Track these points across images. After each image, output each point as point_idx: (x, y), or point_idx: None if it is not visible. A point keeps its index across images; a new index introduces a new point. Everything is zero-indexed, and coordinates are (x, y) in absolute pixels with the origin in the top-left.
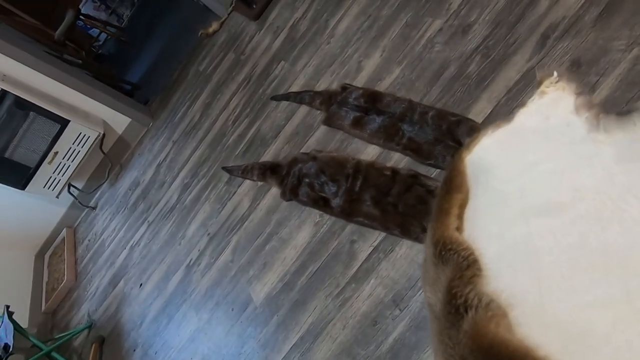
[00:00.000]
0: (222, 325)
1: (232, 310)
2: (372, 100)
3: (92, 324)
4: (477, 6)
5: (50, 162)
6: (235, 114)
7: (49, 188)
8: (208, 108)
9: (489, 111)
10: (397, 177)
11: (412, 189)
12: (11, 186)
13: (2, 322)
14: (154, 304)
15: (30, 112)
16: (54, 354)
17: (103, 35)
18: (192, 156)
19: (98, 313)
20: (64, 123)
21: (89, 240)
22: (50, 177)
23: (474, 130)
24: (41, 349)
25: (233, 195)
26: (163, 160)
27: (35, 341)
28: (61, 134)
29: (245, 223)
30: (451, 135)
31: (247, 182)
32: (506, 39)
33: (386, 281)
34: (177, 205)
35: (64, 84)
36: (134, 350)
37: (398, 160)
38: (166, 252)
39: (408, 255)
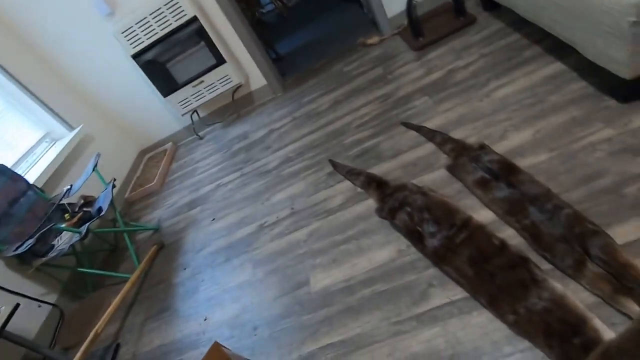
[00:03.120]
0: (273, 290)
1: (287, 282)
2: (507, 170)
3: (159, 228)
4: None
5: (194, 86)
6: (362, 120)
7: (180, 105)
8: (338, 104)
9: (635, 239)
10: (505, 251)
11: (517, 269)
12: (158, 89)
13: (105, 190)
14: (218, 241)
15: (202, 41)
16: (125, 236)
17: (270, 6)
18: (305, 137)
19: (166, 223)
20: (220, 61)
21: (184, 161)
22: (187, 98)
23: (609, 247)
24: (119, 226)
25: (329, 187)
26: (277, 129)
27: (119, 217)
28: (214, 69)
29: (331, 216)
30: (581, 241)
31: (347, 183)
32: None
33: (450, 337)
34: (274, 171)
35: (236, 31)
36: (184, 269)
37: (510, 236)
38: (247, 205)
39: (484, 326)
